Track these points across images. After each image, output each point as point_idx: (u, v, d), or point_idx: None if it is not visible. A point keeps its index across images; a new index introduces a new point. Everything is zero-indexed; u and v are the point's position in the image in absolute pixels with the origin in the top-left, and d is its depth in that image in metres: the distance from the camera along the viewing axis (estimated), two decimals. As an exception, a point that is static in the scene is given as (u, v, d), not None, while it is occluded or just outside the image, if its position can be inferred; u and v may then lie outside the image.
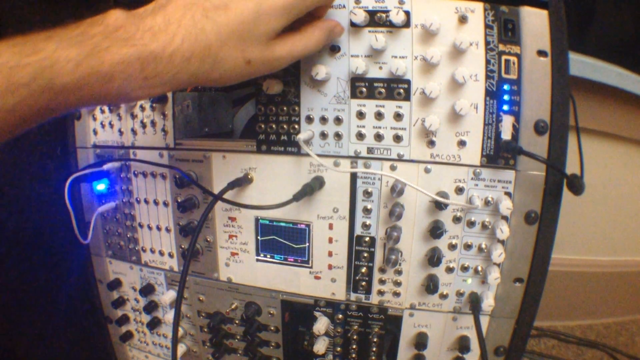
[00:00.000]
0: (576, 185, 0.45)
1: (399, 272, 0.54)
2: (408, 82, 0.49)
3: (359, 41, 0.49)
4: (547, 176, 0.48)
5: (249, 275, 0.61)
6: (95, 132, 0.66)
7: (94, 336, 0.82)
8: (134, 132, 0.62)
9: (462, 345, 0.55)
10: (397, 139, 0.50)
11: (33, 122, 0.34)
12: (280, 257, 0.59)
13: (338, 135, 0.52)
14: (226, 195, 0.54)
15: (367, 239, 0.54)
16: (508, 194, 0.49)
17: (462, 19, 0.46)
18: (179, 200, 0.60)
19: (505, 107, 0.47)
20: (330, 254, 0.56)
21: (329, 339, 0.61)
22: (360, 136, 0.51)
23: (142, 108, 0.61)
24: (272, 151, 0.55)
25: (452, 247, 0.52)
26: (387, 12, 0.47)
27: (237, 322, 0.64)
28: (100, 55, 0.33)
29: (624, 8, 1.06)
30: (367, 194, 0.53)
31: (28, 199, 0.82)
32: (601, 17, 1.04)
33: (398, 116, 0.50)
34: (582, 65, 0.91)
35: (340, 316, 0.59)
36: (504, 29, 0.46)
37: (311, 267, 0.58)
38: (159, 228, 0.64)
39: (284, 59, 0.43)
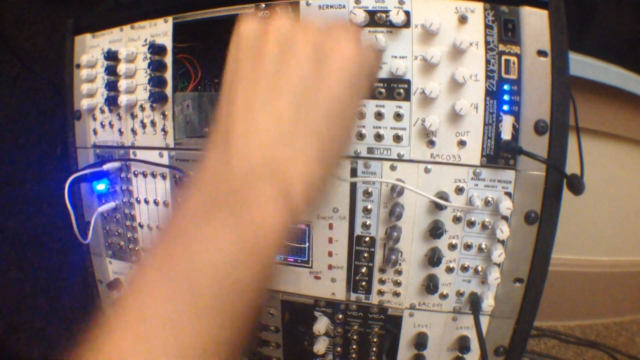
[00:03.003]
0: (576, 185, 0.45)
1: (399, 272, 0.54)
2: (408, 82, 0.49)
3: (359, 41, 0.49)
4: (547, 176, 0.48)
5: (249, 275, 0.61)
6: (95, 132, 0.66)
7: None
8: (134, 132, 0.62)
9: (462, 345, 0.55)
10: (397, 139, 0.50)
11: None
12: (280, 257, 0.58)
13: (338, 135, 0.52)
14: (226, 195, 0.53)
15: (367, 239, 0.54)
16: (508, 194, 0.49)
17: (462, 19, 0.46)
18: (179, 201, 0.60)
19: (505, 107, 0.47)
20: (330, 254, 0.56)
21: (329, 339, 0.60)
22: (360, 136, 0.51)
23: (142, 108, 0.61)
24: (272, 151, 0.55)
25: (452, 247, 0.52)
26: (387, 12, 0.47)
27: (237, 322, 0.64)
28: None
29: (624, 8, 1.05)
30: (367, 194, 0.53)
31: (28, 199, 0.82)
32: (601, 17, 1.04)
33: (398, 116, 0.50)
34: (582, 65, 0.91)
35: (340, 316, 0.59)
36: (504, 29, 0.46)
37: (311, 267, 0.57)
38: (159, 228, 0.64)
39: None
